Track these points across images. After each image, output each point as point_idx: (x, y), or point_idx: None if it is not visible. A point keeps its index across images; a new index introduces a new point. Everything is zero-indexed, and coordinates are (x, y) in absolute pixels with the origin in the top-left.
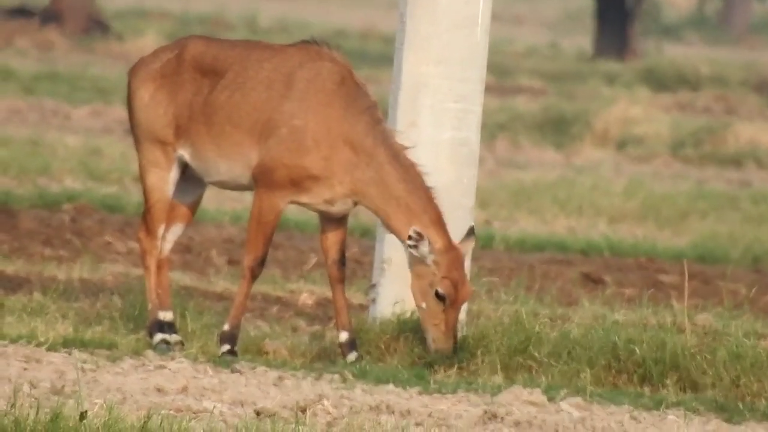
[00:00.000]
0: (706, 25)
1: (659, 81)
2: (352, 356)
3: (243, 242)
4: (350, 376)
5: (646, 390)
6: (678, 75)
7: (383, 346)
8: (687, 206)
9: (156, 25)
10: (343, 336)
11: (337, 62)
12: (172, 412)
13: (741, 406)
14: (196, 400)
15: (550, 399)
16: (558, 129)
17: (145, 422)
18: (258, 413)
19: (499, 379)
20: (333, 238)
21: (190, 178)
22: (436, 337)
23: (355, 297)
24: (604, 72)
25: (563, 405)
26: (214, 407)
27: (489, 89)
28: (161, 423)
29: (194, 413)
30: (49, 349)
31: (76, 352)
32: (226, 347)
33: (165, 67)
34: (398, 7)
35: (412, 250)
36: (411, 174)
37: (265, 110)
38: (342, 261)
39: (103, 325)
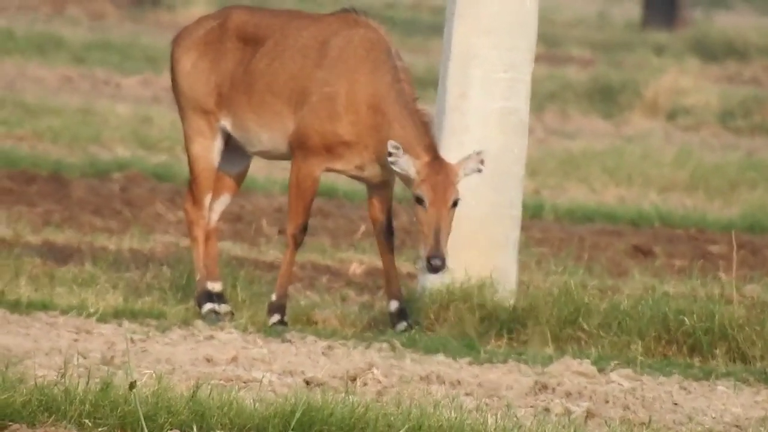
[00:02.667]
0: None
1: (708, 51)
2: (401, 326)
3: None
4: (400, 346)
5: (696, 361)
6: (727, 45)
7: (433, 316)
8: (736, 176)
9: None
10: (393, 305)
11: (370, 29)
12: (221, 382)
13: None
14: (246, 370)
15: (600, 370)
16: (607, 98)
17: (194, 392)
18: (308, 383)
19: (549, 350)
20: (378, 206)
21: (235, 149)
22: (423, 242)
23: (405, 266)
24: (653, 41)
25: (613, 376)
26: (264, 377)
27: (538, 58)
28: (210, 393)
29: (244, 383)
30: (99, 320)
31: (126, 323)
32: (276, 317)
33: (208, 36)
34: None
35: (395, 167)
36: (414, 119)
37: (300, 78)
38: (390, 230)
39: (152, 295)
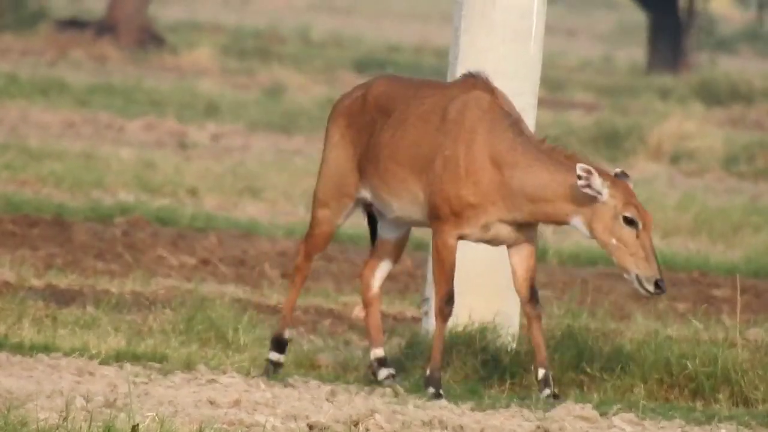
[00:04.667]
0: (760, 38)
1: (713, 95)
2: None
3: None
4: (402, 391)
5: (699, 405)
6: (731, 89)
7: None
8: (740, 220)
9: (210, 39)
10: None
11: (486, 90)
12: (224, 425)
13: None
14: (249, 414)
15: (603, 414)
16: (611, 143)
17: None
18: (311, 427)
19: None
20: (522, 273)
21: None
22: (639, 266)
23: (409, 310)
24: (658, 86)
25: (615, 420)
26: (267, 421)
27: (542, 103)
28: None
29: (246, 427)
30: (101, 363)
31: (128, 366)
32: (431, 390)
33: (352, 106)
34: (452, 21)
35: (586, 189)
36: (553, 156)
37: (421, 145)
38: (534, 296)
39: (155, 338)
